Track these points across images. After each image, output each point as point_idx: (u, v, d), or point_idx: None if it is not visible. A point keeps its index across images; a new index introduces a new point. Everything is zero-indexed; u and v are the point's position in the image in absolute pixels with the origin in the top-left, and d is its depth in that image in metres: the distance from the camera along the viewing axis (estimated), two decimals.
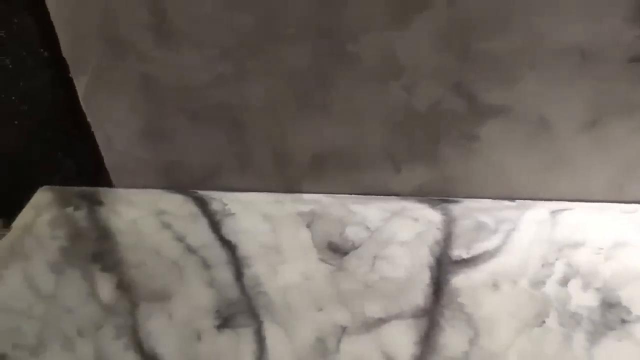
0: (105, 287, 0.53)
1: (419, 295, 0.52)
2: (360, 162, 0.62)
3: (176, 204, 0.63)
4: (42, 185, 0.67)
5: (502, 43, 0.52)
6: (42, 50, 0.56)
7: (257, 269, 0.55)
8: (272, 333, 0.49)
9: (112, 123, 0.61)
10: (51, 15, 0.54)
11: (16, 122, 0.62)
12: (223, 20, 0.52)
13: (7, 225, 0.67)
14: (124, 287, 0.53)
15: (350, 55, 0.54)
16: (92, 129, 0.62)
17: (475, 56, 0.53)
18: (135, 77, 0.57)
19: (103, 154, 0.64)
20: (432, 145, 0.60)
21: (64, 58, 0.56)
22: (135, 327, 0.50)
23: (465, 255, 0.56)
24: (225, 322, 0.50)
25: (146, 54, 0.55)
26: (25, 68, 0.58)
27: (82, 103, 0.60)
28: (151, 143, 0.62)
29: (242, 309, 0.51)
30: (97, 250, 0.57)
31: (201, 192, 0.65)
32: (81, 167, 0.66)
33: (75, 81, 0.58)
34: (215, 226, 0.60)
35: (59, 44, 0.56)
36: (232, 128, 0.60)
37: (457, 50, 0.53)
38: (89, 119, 0.61)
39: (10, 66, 0.58)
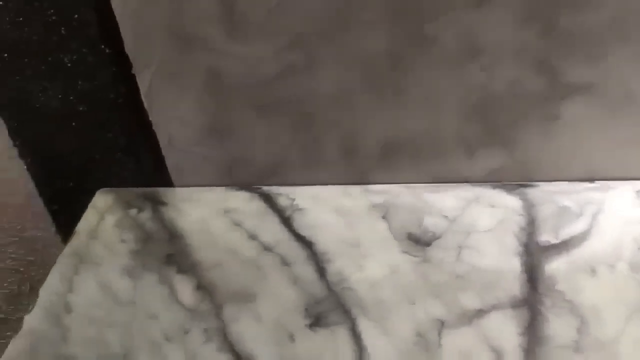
0: (185, 289, 0.51)
1: (514, 284, 0.50)
2: (432, 149, 0.60)
3: (242, 202, 0.61)
4: (100, 188, 0.65)
5: (590, 16, 0.49)
6: (103, 46, 0.54)
7: (339, 264, 0.53)
8: (368, 330, 0.47)
9: (175, 120, 0.59)
10: (114, 9, 0.52)
11: (74, 124, 0.60)
12: (295, 6, 0.50)
13: (65, 234, 0.66)
14: (204, 289, 0.51)
15: (427, 38, 0.52)
16: (153, 128, 0.60)
17: (561, 32, 0.50)
18: (202, 72, 0.55)
19: (164, 152, 0.62)
20: (509, 128, 0.57)
21: (126, 54, 0.54)
22: (224, 329, 0.48)
23: (554, 241, 0.54)
24: (316, 320, 0.48)
25: (213, 47, 0.53)
26: (85, 66, 0.55)
27: (144, 101, 0.58)
28: (215, 140, 0.60)
29: (331, 306, 0.49)
30: (170, 252, 0.56)
31: (265, 188, 0.63)
32: (140, 167, 0.64)
33: (137, 78, 0.56)
34: (286, 222, 0.58)
35: (121, 39, 0.53)
36: (300, 120, 0.58)
37: (541, 27, 0.50)
38: (150, 118, 0.59)
39: (69, 65, 0.56)
